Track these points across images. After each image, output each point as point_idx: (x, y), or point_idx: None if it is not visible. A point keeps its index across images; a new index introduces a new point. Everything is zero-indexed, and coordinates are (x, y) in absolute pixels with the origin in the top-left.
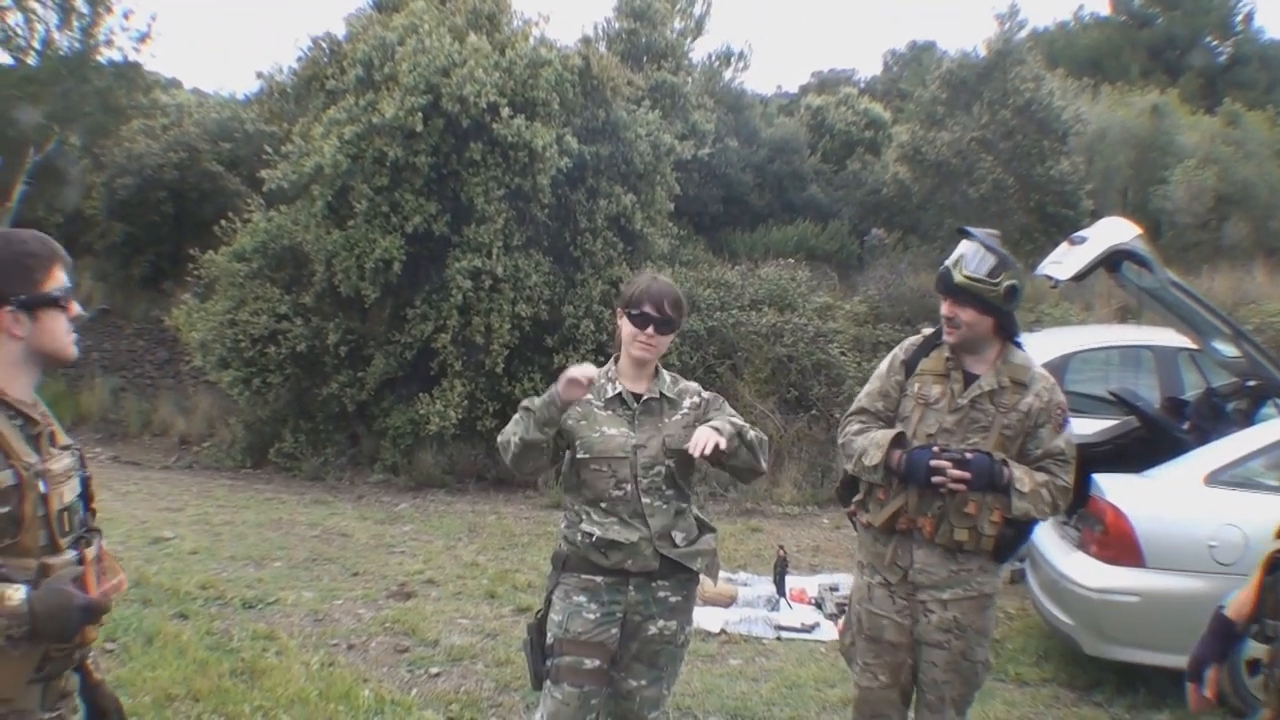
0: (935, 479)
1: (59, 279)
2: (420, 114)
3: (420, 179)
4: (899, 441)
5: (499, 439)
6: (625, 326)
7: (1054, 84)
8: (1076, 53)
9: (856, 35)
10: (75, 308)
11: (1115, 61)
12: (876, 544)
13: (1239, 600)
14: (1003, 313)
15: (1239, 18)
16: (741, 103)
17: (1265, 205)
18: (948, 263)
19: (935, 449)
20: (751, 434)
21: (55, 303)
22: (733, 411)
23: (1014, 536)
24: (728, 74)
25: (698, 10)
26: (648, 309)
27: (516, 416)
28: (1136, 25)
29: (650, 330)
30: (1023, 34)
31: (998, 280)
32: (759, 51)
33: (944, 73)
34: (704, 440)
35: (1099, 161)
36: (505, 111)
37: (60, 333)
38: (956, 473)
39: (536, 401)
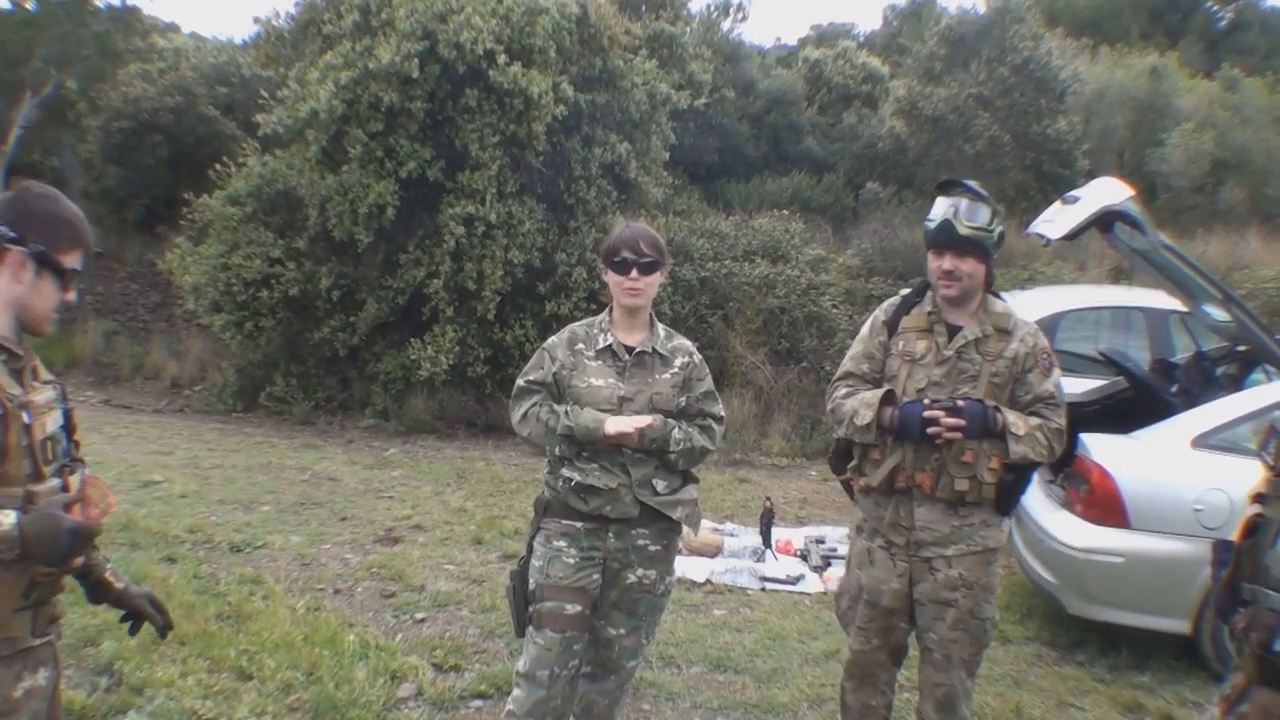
0: (930, 430)
1: (75, 259)
2: (416, 60)
3: (415, 125)
4: (889, 399)
5: (517, 414)
6: (611, 277)
7: (1053, 43)
8: (1077, 12)
9: None
10: (72, 293)
11: (1115, 23)
12: (877, 507)
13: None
14: (992, 261)
15: None
16: (739, 54)
17: (1262, 171)
18: (946, 215)
19: (927, 401)
20: (686, 445)
21: (61, 274)
22: (710, 387)
23: (1014, 483)
24: (726, 24)
25: None
26: (626, 254)
27: (542, 412)
28: None
29: (634, 273)
30: None
31: (993, 228)
32: (758, 3)
33: (943, 29)
34: (618, 430)
35: (1096, 122)
36: (502, 58)
37: (49, 303)
38: (951, 421)
39: (579, 419)
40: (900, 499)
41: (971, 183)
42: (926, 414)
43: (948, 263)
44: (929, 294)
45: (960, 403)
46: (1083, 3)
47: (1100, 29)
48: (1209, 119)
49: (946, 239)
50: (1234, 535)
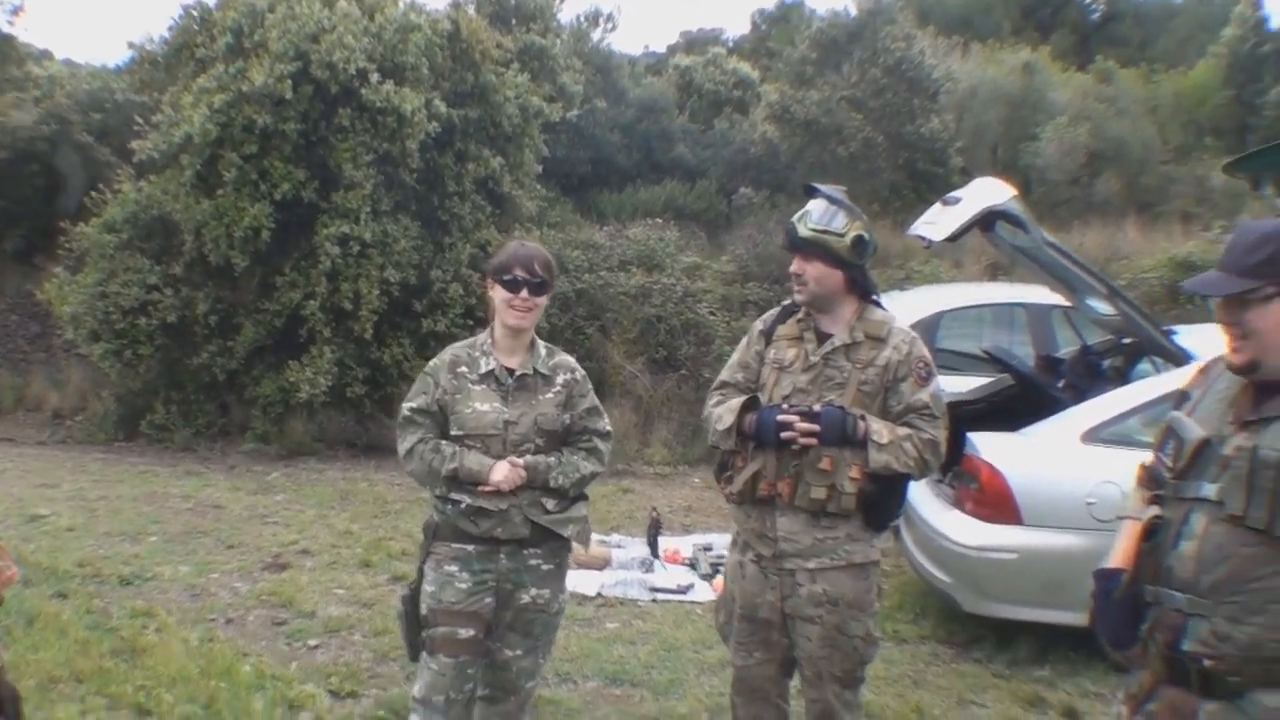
0: (784, 435)
1: None
2: (290, 81)
3: (289, 146)
4: (752, 405)
5: (403, 447)
6: (498, 294)
7: (925, 42)
8: (948, 10)
9: None
10: None
11: (987, 19)
12: (746, 517)
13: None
14: (852, 266)
15: None
16: (609, 63)
17: (1137, 162)
18: (793, 218)
19: (784, 406)
20: (574, 478)
21: None
22: (593, 403)
23: (879, 495)
24: (596, 35)
25: None
26: (519, 273)
27: (427, 451)
28: None
29: (524, 293)
30: None
31: (844, 231)
32: (627, 11)
33: (814, 32)
34: (503, 478)
35: (969, 119)
36: (374, 77)
37: None
38: (805, 425)
39: (464, 463)
40: (764, 508)
41: (831, 188)
42: (780, 418)
43: (795, 265)
44: None
45: (817, 408)
46: (954, 0)
47: (972, 26)
48: (1083, 112)
49: (790, 241)
50: (1121, 542)
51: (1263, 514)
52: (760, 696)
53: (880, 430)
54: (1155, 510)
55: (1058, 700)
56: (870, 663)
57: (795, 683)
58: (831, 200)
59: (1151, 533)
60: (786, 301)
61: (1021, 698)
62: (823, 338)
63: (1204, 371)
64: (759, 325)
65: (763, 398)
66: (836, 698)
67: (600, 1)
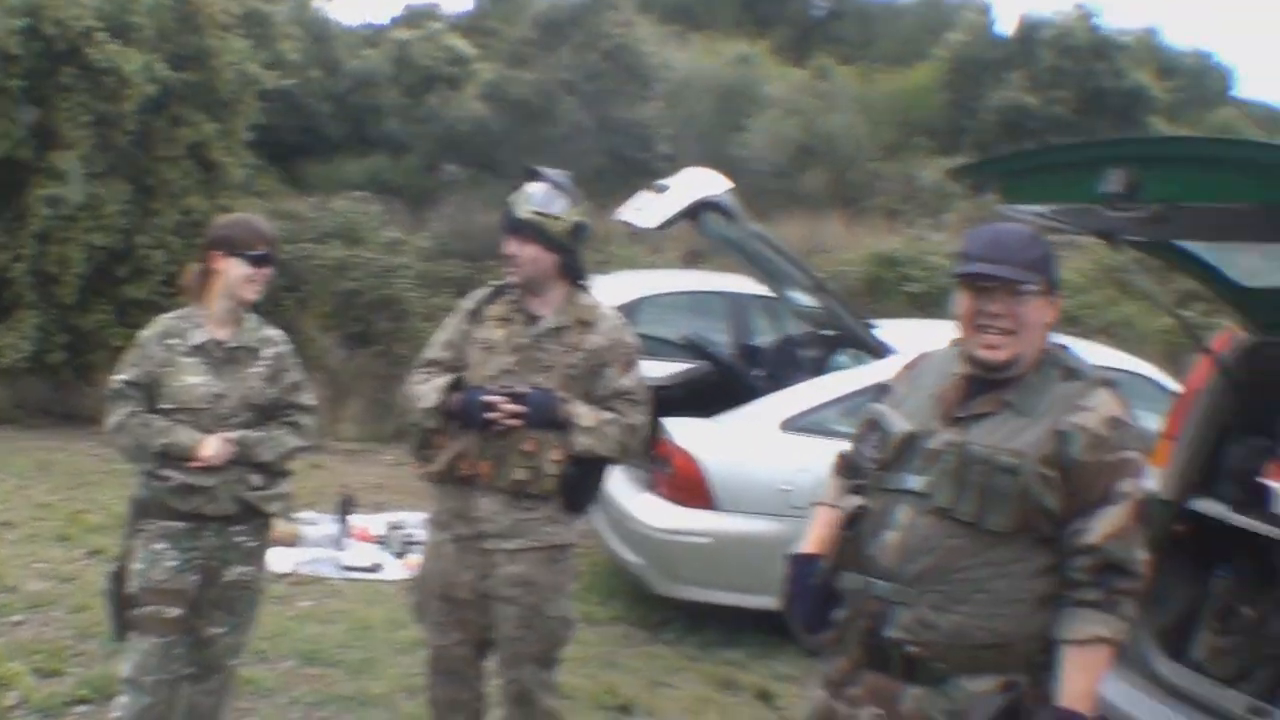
0: (489, 415)
1: None
2: (19, 36)
3: (11, 103)
4: (457, 385)
5: (113, 420)
6: (236, 268)
7: (645, 29)
8: None
9: None
10: None
11: (708, 10)
12: (445, 498)
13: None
14: (567, 251)
15: None
16: (328, 33)
17: (847, 158)
18: (511, 199)
19: (490, 387)
20: (279, 452)
21: None
22: (298, 378)
23: (579, 477)
24: (317, 4)
25: None
26: (263, 249)
27: (136, 425)
28: None
29: (267, 269)
30: None
31: (563, 216)
32: None
33: (537, 14)
34: (213, 453)
35: (682, 108)
36: (101, 36)
37: None
38: (510, 407)
39: (175, 438)
40: (464, 488)
41: (556, 172)
42: (486, 399)
43: (510, 247)
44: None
45: (524, 390)
46: None
47: (694, 16)
48: (796, 106)
49: (506, 222)
50: (815, 529)
51: (971, 508)
52: (457, 677)
53: (584, 414)
54: (858, 500)
55: (750, 682)
56: (567, 644)
57: (491, 664)
58: (555, 184)
59: (853, 521)
60: (496, 282)
61: (714, 680)
62: (532, 320)
63: (910, 367)
64: (468, 303)
65: (470, 377)
66: (533, 678)
67: None
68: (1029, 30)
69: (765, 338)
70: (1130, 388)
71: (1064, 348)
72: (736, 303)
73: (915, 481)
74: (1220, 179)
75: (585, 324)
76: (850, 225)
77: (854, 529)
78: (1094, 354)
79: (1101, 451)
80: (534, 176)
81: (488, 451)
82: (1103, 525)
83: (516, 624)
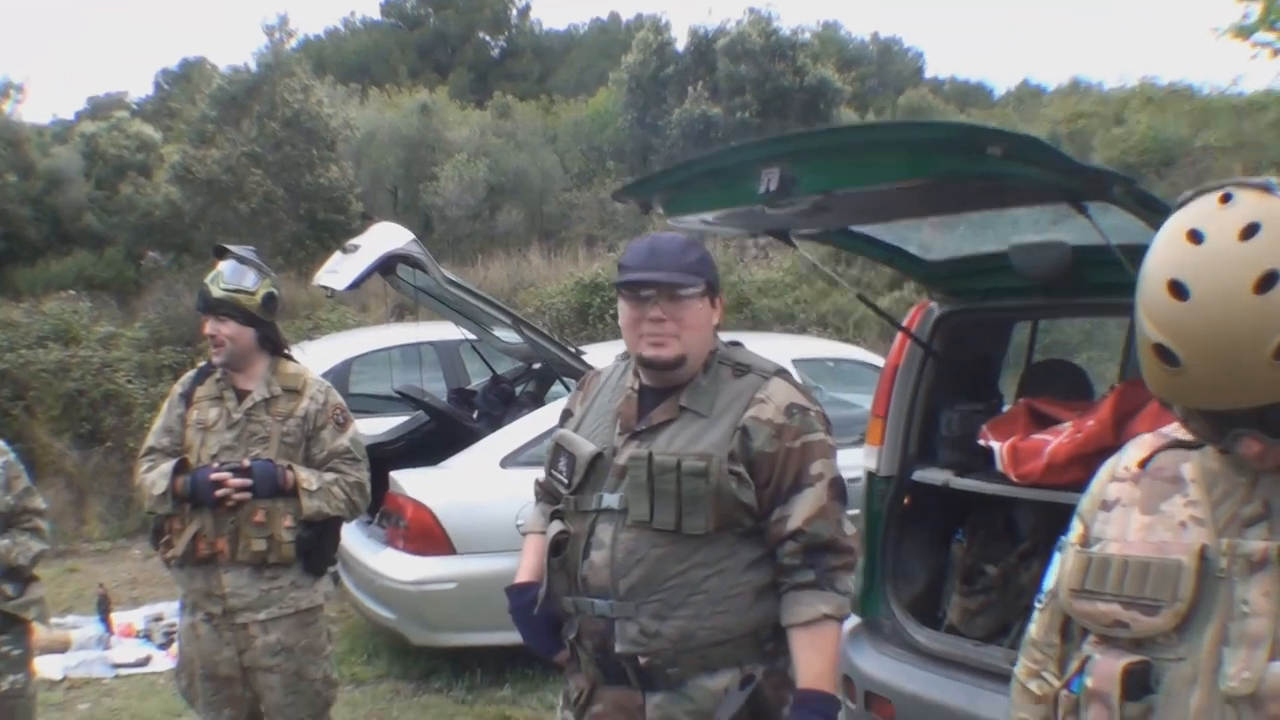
0: (219, 493)
1: None
2: None
3: None
4: (182, 467)
5: None
6: None
7: (322, 92)
8: (346, 58)
9: (129, 56)
10: None
11: (385, 64)
12: (191, 579)
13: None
14: (262, 323)
15: (514, 12)
16: (19, 135)
17: (538, 191)
18: (206, 281)
19: (215, 466)
20: (27, 558)
21: None
22: (27, 484)
23: (315, 539)
24: (7, 107)
25: None
26: None
27: None
28: (408, 27)
29: None
30: (294, 43)
31: (255, 290)
32: (36, 81)
33: (214, 90)
34: None
35: (368, 164)
36: None
37: None
38: (238, 481)
39: None
40: (208, 567)
41: (242, 248)
42: (213, 477)
43: (209, 327)
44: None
45: (247, 463)
46: (351, 47)
47: (370, 72)
48: (482, 147)
49: (204, 303)
50: (527, 557)
51: (669, 516)
52: None
53: (308, 478)
54: (559, 525)
55: (523, 716)
56: (332, 704)
57: None
58: (241, 260)
59: (558, 548)
60: (202, 363)
61: (488, 719)
62: (242, 395)
63: (584, 388)
64: (178, 388)
65: (191, 459)
66: None
67: (9, 71)
68: (703, 41)
69: (480, 380)
70: (849, 374)
71: (735, 344)
72: (445, 350)
73: (611, 499)
74: (865, 163)
75: (293, 391)
76: (551, 257)
77: (560, 555)
78: (808, 347)
79: (784, 439)
80: (222, 255)
81: (222, 528)
82: (801, 509)
83: (282, 692)
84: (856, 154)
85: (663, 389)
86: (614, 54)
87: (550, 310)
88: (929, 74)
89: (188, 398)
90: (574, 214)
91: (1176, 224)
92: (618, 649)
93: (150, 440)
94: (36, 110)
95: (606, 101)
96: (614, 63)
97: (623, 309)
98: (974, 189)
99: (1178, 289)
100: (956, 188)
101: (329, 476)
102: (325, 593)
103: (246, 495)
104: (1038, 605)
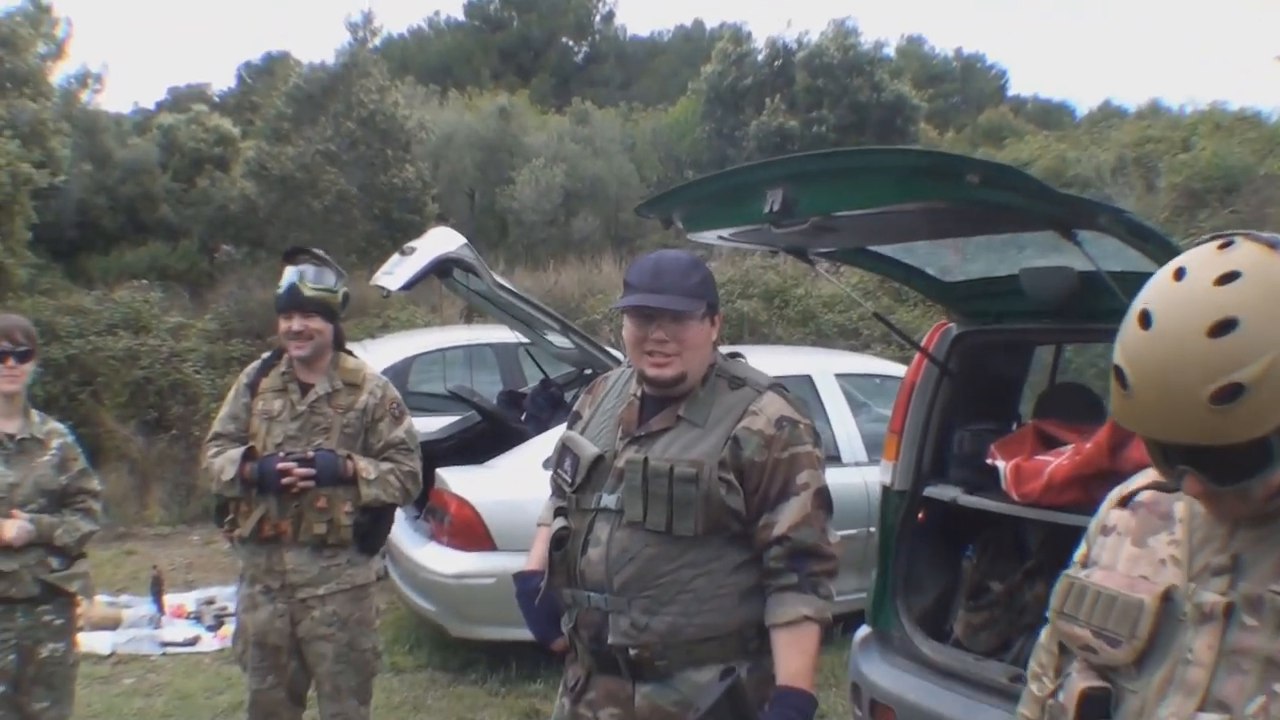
0: (285, 481)
1: None
2: None
3: None
4: (250, 455)
5: None
6: None
7: (399, 93)
8: (429, 58)
9: (212, 47)
10: None
11: (467, 65)
12: (253, 555)
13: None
14: (338, 320)
15: (598, 17)
16: (97, 125)
17: (614, 199)
18: (293, 280)
19: (281, 455)
20: (75, 537)
21: None
22: (84, 465)
23: (372, 524)
24: (85, 96)
25: (60, 33)
26: (2, 343)
27: None
28: (491, 29)
29: (11, 361)
30: (378, 41)
31: (337, 290)
32: (117, 70)
33: (291, 88)
34: (11, 535)
35: (445, 166)
36: None
37: None
38: (302, 471)
39: None
40: (271, 546)
41: (317, 250)
42: (280, 466)
43: (296, 324)
44: (285, 355)
45: (311, 453)
46: (434, 48)
47: (451, 73)
48: (560, 153)
49: (293, 302)
50: (537, 547)
51: (661, 518)
52: None
53: (367, 468)
54: (561, 521)
55: (553, 710)
56: (376, 675)
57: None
58: (322, 261)
59: (560, 542)
60: (265, 355)
61: (518, 712)
62: (305, 388)
63: (592, 392)
64: (243, 378)
65: (257, 446)
66: (354, 712)
67: (90, 61)
68: (783, 53)
69: (534, 384)
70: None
71: (735, 356)
72: (505, 352)
73: (608, 499)
74: (858, 186)
75: (353, 385)
76: (623, 265)
77: (561, 549)
78: (856, 363)
79: (774, 449)
80: (297, 256)
81: (286, 511)
82: (787, 516)
83: (334, 660)
84: (850, 178)
85: (663, 398)
86: (696, 62)
87: (617, 318)
88: (1011, 92)
89: (253, 388)
90: (648, 223)
91: (1173, 261)
92: (610, 640)
93: (217, 426)
94: (116, 99)
95: (686, 110)
96: (696, 71)
97: (627, 326)
98: (972, 214)
99: (1145, 318)
100: (950, 212)
101: (385, 466)
102: (376, 570)
103: (310, 483)
104: (1048, 614)
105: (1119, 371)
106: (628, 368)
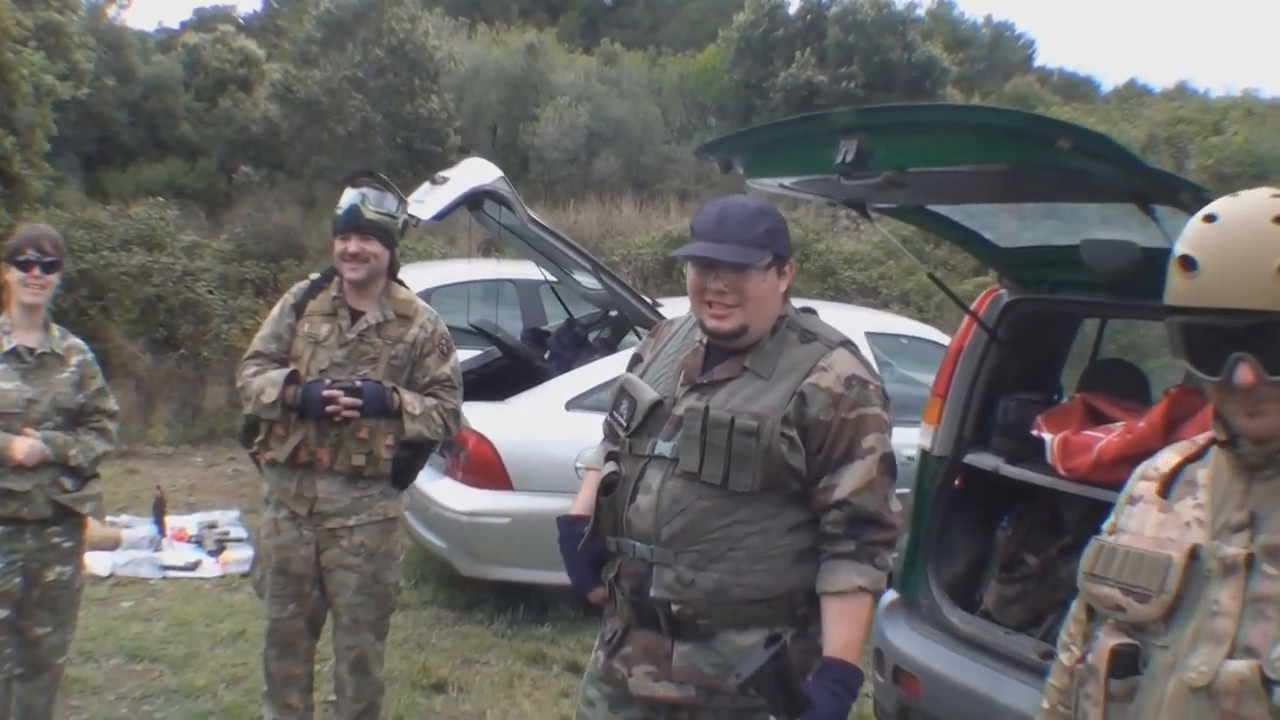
0: (329, 409)
1: None
2: None
3: None
4: (293, 379)
5: None
6: (13, 275)
7: (429, 23)
8: None
9: None
10: None
11: (497, 1)
12: (282, 480)
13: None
14: (395, 247)
15: None
16: (122, 40)
17: (637, 142)
18: (354, 201)
19: (327, 381)
20: (90, 456)
21: None
22: (102, 384)
23: (410, 459)
24: (112, 11)
25: None
26: (30, 252)
27: None
28: None
29: (37, 271)
30: None
31: (397, 215)
32: None
33: (322, 11)
34: (24, 455)
35: (470, 99)
36: None
37: None
38: (349, 400)
39: None
40: (303, 473)
41: (380, 174)
42: (326, 393)
43: (354, 245)
44: (336, 279)
45: (358, 383)
46: None
47: (480, 7)
48: (585, 93)
49: (353, 223)
50: (584, 492)
51: (717, 470)
52: (291, 650)
53: (413, 402)
54: (611, 466)
55: (560, 655)
56: (394, 610)
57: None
58: (384, 185)
59: (608, 488)
60: (314, 275)
61: (524, 655)
62: (355, 315)
63: (655, 335)
64: (289, 298)
65: (301, 370)
66: (370, 647)
67: None
68: (816, 7)
69: (556, 322)
70: (921, 353)
71: (807, 311)
72: (527, 289)
73: (664, 446)
74: (939, 142)
75: (404, 318)
76: (643, 208)
77: (609, 494)
78: (884, 322)
79: (841, 409)
80: (359, 179)
81: (325, 438)
82: (849, 480)
83: (357, 591)
84: (932, 133)
85: (728, 348)
86: (726, 10)
87: (635, 260)
88: (1038, 62)
89: (299, 309)
90: (670, 167)
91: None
92: (652, 593)
93: (257, 345)
94: (141, 17)
95: (714, 58)
96: (726, 19)
97: (689, 274)
98: (1045, 180)
99: (1210, 218)
100: (1028, 176)
101: (430, 402)
102: (405, 504)
103: (355, 413)
104: (1079, 582)
105: (1185, 259)
106: (692, 314)
